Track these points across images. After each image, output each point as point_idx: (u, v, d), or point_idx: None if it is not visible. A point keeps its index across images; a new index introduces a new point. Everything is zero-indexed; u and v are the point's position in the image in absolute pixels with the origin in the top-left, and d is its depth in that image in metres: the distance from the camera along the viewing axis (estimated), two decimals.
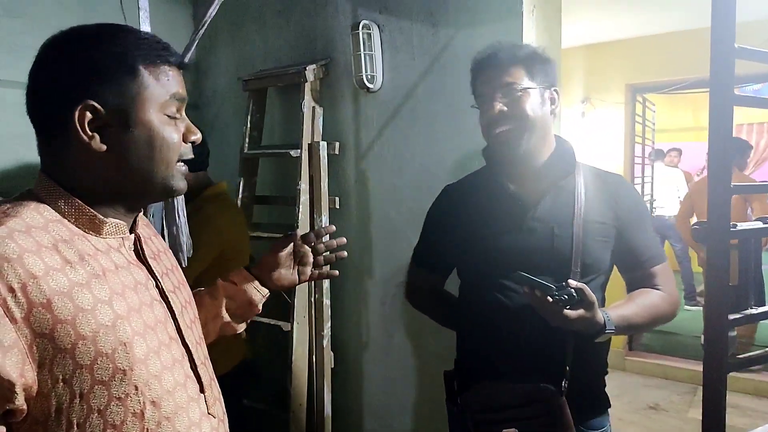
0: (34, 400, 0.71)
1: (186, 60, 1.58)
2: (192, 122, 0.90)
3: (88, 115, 0.78)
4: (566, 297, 1.13)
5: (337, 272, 1.25)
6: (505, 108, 1.27)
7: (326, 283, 2.10)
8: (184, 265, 1.89)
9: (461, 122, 1.84)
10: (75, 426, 0.73)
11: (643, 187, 4.73)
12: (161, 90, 0.83)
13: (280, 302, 2.21)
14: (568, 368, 1.23)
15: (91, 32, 0.82)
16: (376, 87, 2.01)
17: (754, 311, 0.63)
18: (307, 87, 2.07)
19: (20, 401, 0.70)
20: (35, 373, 0.70)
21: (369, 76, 1.97)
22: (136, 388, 0.77)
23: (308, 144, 2.09)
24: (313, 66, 2.08)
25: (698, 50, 4.00)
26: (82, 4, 2.17)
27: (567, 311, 1.13)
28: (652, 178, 5.21)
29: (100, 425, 0.74)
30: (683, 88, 4.27)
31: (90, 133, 0.79)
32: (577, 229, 1.25)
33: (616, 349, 4.15)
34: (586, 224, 1.26)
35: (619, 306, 1.28)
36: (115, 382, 0.75)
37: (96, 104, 0.78)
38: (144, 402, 0.78)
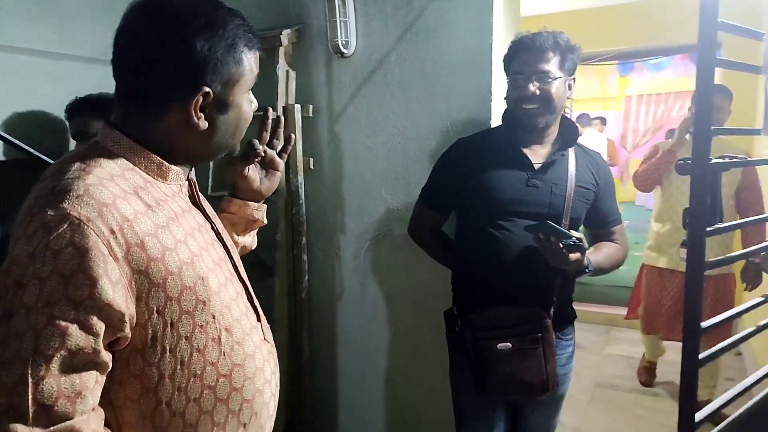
0: (133, 329, 0.78)
1: None
2: None
3: (200, 99, 0.84)
4: (572, 243, 1.38)
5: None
6: (538, 92, 1.50)
7: (303, 240, 2.22)
8: None
9: (433, 87, 2.00)
10: (167, 351, 0.81)
11: None
12: (252, 75, 0.91)
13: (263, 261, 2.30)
14: (555, 298, 1.51)
15: (202, 13, 0.83)
16: (350, 53, 2.11)
17: (722, 225, 0.87)
18: (282, 51, 2.14)
19: (127, 330, 0.77)
20: (135, 306, 0.78)
21: (344, 42, 2.07)
22: (213, 317, 0.86)
23: (282, 106, 2.17)
24: (288, 31, 2.14)
25: (613, 26, 4.41)
26: None
27: (570, 254, 1.40)
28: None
29: (187, 350, 0.83)
30: (600, 61, 4.69)
31: (199, 115, 0.85)
32: (569, 191, 1.53)
33: None
34: (575, 187, 1.54)
35: (593, 253, 1.58)
36: (197, 312, 0.84)
37: (211, 91, 0.84)
38: (220, 329, 0.87)
